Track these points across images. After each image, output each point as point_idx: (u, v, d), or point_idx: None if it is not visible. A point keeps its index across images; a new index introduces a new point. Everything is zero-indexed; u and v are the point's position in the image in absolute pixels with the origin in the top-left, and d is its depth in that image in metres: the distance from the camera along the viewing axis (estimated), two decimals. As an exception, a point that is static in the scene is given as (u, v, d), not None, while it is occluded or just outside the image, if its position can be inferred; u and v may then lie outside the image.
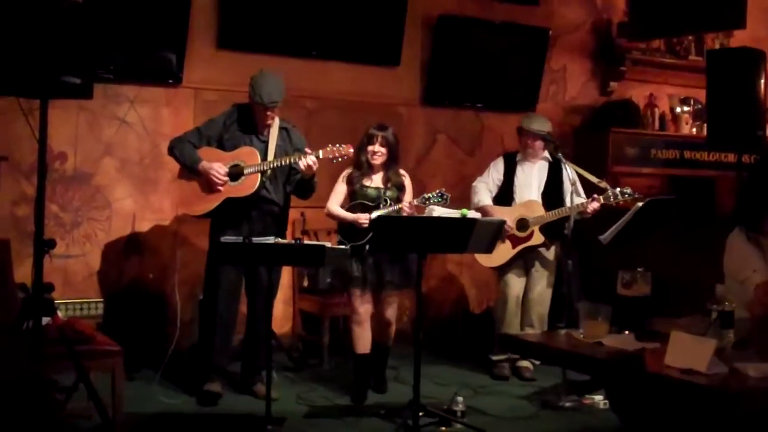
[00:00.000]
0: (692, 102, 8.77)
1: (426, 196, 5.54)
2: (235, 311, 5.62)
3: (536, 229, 6.14)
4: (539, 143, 6.25)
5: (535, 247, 6.19)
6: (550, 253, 6.29)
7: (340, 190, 5.71)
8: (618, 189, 5.94)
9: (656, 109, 8.52)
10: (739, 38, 8.32)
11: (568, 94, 8.29)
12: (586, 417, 5.40)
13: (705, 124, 7.71)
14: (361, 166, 5.67)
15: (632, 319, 3.32)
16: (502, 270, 6.31)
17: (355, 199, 5.66)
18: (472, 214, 5.27)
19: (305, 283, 6.72)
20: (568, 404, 5.55)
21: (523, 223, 6.14)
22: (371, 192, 5.65)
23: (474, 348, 7.08)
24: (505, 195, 6.32)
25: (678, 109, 8.71)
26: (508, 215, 6.05)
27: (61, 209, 6.22)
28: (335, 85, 7.09)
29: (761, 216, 3.84)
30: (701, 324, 3.07)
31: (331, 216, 5.74)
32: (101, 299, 6.23)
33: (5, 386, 3.24)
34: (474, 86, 7.73)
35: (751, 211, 3.87)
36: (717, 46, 8.59)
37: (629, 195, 5.90)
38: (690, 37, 8.65)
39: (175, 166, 6.47)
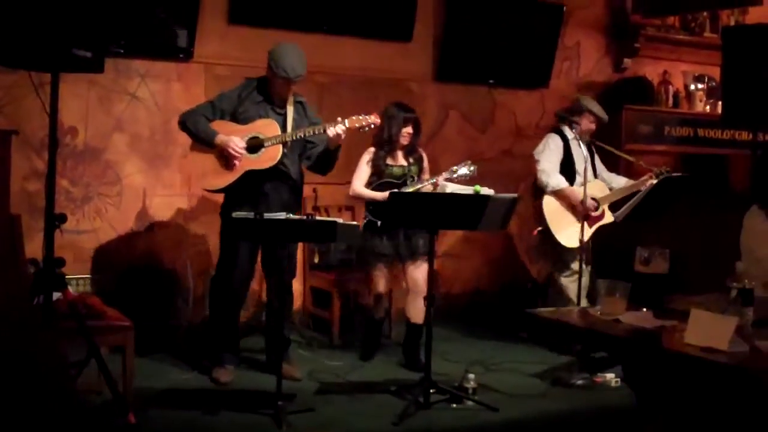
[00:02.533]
0: (706, 79, 8.69)
1: (454, 168, 5.63)
2: (246, 288, 5.58)
3: (605, 207, 6.21)
4: (594, 126, 6.29)
5: (608, 226, 6.20)
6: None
7: (364, 171, 5.80)
8: (658, 168, 6.04)
9: (670, 87, 8.44)
10: (754, 15, 8.23)
11: (581, 70, 8.22)
12: (597, 395, 5.38)
13: (719, 102, 7.65)
14: (385, 147, 5.76)
15: (650, 297, 3.29)
16: (574, 252, 6.13)
17: (381, 179, 5.73)
18: (485, 191, 5.23)
19: (316, 260, 6.69)
20: (579, 382, 5.53)
21: (593, 202, 6.15)
22: (396, 170, 5.80)
23: (486, 325, 7.09)
24: (568, 172, 6.25)
25: (692, 87, 8.63)
26: (579, 194, 6.01)
27: (72, 184, 6.20)
28: (347, 60, 7.03)
29: None
30: (720, 302, 3.04)
31: (358, 197, 5.84)
32: (112, 274, 6.19)
33: (20, 359, 3.23)
34: (487, 62, 7.66)
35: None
36: (732, 23, 8.51)
37: (668, 172, 6.00)
38: (705, 14, 8.56)
39: (186, 141, 6.44)
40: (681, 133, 8.10)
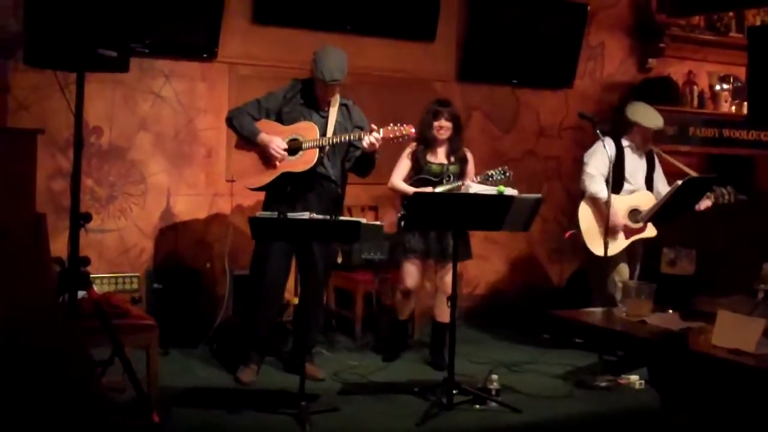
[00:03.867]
0: (732, 80, 8.62)
1: (489, 172, 5.67)
2: (280, 287, 5.57)
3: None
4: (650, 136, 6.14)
5: (648, 240, 5.92)
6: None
7: (404, 165, 5.83)
8: (724, 189, 5.87)
9: (695, 87, 8.39)
10: (780, 14, 8.18)
11: (605, 70, 8.18)
12: (621, 397, 5.36)
13: (744, 102, 7.59)
14: (426, 142, 5.77)
15: (676, 298, 3.27)
16: (613, 260, 5.93)
17: (419, 174, 5.76)
18: (509, 191, 5.21)
19: (339, 260, 6.69)
20: (603, 384, 5.51)
21: (635, 214, 5.98)
22: (435, 168, 5.79)
23: (509, 326, 7.07)
24: (616, 180, 5.96)
25: (717, 87, 8.57)
26: (621, 205, 5.95)
27: (97, 183, 6.23)
28: (370, 60, 7.02)
29: None
30: (747, 303, 3.02)
31: (394, 190, 5.88)
32: (136, 274, 6.22)
33: (45, 357, 3.25)
34: (510, 62, 7.63)
35: None
36: (758, 23, 8.45)
37: (734, 195, 5.86)
38: (730, 14, 8.49)
39: (209, 141, 6.53)
40: (706, 134, 8.04)
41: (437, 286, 5.92)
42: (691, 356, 2.80)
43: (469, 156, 5.93)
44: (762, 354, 2.61)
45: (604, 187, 5.84)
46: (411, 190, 5.65)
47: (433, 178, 5.75)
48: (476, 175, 5.78)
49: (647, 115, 6.03)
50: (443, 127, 5.79)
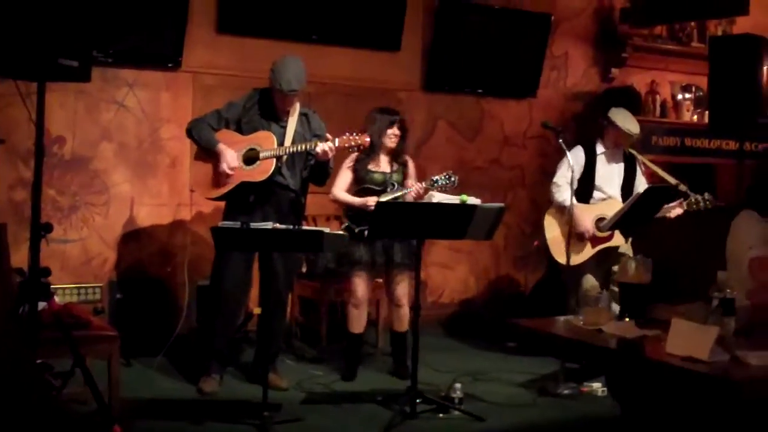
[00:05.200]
0: (694, 89, 8.72)
1: (434, 178, 5.63)
2: (240, 298, 5.57)
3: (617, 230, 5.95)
4: (629, 143, 6.12)
5: (614, 248, 5.96)
6: (628, 250, 6.04)
7: (346, 175, 5.78)
8: (700, 195, 5.86)
9: (657, 96, 8.47)
10: (741, 25, 8.26)
11: (569, 80, 8.25)
12: (583, 405, 5.38)
13: (706, 112, 7.67)
14: (369, 151, 5.71)
15: (633, 306, 3.30)
16: (579, 270, 5.98)
17: (362, 184, 5.73)
18: (472, 200, 5.23)
19: (303, 269, 6.68)
20: (566, 392, 5.53)
21: (601, 222, 5.94)
22: (377, 176, 5.76)
23: (473, 335, 7.10)
24: (584, 189, 6.03)
25: (679, 96, 8.66)
26: (588, 213, 5.94)
27: (59, 193, 6.19)
28: (336, 69, 7.04)
29: None
30: (702, 311, 3.05)
31: (337, 201, 5.82)
32: (99, 284, 6.18)
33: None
34: (475, 72, 7.68)
35: (766, 195, 3.84)
36: (719, 33, 8.54)
37: (710, 202, 5.85)
38: (692, 24, 8.58)
39: (173, 151, 6.52)
40: (668, 143, 8.12)
41: (389, 298, 5.92)
42: (647, 364, 2.82)
43: (411, 165, 5.93)
44: (714, 361, 2.65)
45: (567, 195, 5.87)
46: (357, 200, 5.65)
47: (376, 188, 5.72)
48: (421, 180, 5.75)
49: (625, 119, 6.04)
50: (396, 135, 5.79)
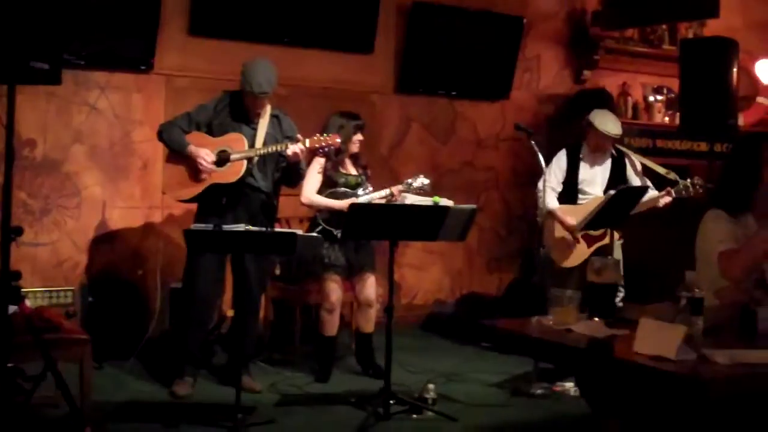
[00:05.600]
0: (665, 91, 8.78)
1: (408, 181, 5.66)
2: (213, 300, 5.56)
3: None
4: (611, 144, 6.15)
5: (610, 246, 5.96)
6: (616, 246, 6.06)
7: (316, 179, 5.75)
8: (689, 180, 5.88)
9: (629, 98, 8.52)
10: (712, 28, 8.35)
11: (541, 82, 8.29)
12: (557, 404, 5.42)
13: (678, 113, 7.73)
14: (336, 155, 5.72)
15: (603, 306, 3.32)
16: (573, 271, 6.02)
17: (333, 187, 5.72)
18: (445, 202, 5.26)
19: (277, 271, 6.68)
20: (539, 392, 5.56)
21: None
22: (351, 179, 5.78)
23: (447, 335, 7.12)
24: (569, 191, 6.14)
25: (651, 98, 8.72)
26: (573, 215, 5.98)
27: (30, 196, 6.16)
28: (308, 72, 7.05)
29: (743, 198, 3.85)
30: (670, 311, 3.07)
31: (312, 205, 5.77)
32: (70, 287, 6.15)
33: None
34: (448, 74, 7.71)
35: (733, 194, 3.88)
36: (690, 36, 8.61)
37: (700, 185, 5.85)
38: (664, 27, 8.64)
39: (145, 153, 6.50)
40: (640, 144, 8.15)
41: (356, 299, 5.93)
42: (616, 363, 2.85)
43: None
44: (682, 360, 2.67)
45: (553, 198, 6.08)
46: (336, 203, 5.64)
47: (350, 190, 5.73)
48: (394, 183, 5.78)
49: (603, 120, 6.07)
50: (360, 141, 5.84)
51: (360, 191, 5.74)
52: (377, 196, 5.65)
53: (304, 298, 6.44)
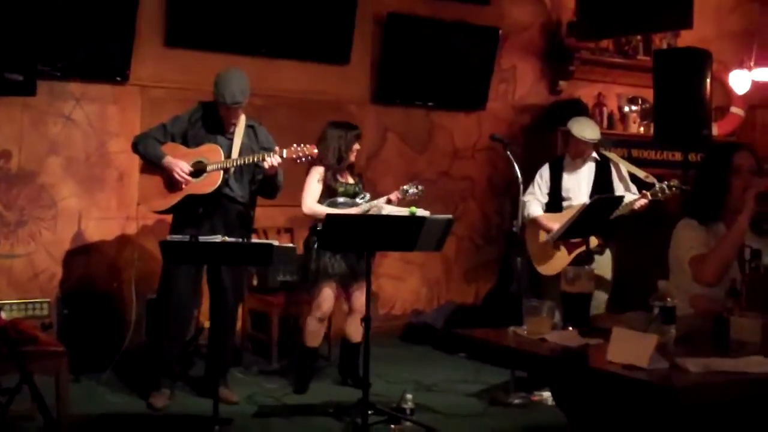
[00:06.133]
0: (640, 101, 8.83)
1: (404, 188, 5.71)
2: (189, 312, 5.55)
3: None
4: (590, 150, 6.19)
5: (591, 252, 6.00)
6: (606, 256, 6.14)
7: (316, 188, 5.74)
8: (665, 183, 5.90)
9: (605, 108, 8.57)
10: (686, 38, 8.41)
11: (517, 93, 8.33)
12: (534, 414, 5.44)
13: (652, 123, 7.78)
14: (336, 165, 5.74)
15: (577, 316, 3.34)
16: (554, 279, 5.89)
17: (334, 196, 5.73)
18: (421, 212, 5.27)
19: (254, 282, 6.68)
20: (516, 401, 5.58)
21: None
22: (349, 188, 5.81)
23: (424, 345, 7.13)
24: (554, 200, 6.19)
25: (626, 109, 8.77)
26: (558, 222, 5.99)
27: (5, 208, 6.13)
28: (285, 83, 7.06)
29: (714, 206, 3.89)
30: (643, 320, 3.09)
31: (315, 215, 5.72)
32: (46, 299, 6.12)
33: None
34: (424, 85, 7.74)
35: (704, 203, 3.92)
36: (664, 46, 8.67)
37: (676, 187, 5.86)
38: (638, 37, 8.70)
39: (121, 164, 6.49)
40: (615, 154, 8.20)
41: (351, 307, 5.92)
42: (589, 373, 2.86)
43: None
44: (654, 369, 2.69)
45: (536, 207, 6.15)
46: (337, 212, 5.60)
47: (350, 199, 5.76)
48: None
49: (580, 127, 6.13)
50: (358, 149, 5.88)
51: (358, 200, 5.76)
52: (376, 204, 5.66)
53: (281, 310, 6.44)
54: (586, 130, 6.12)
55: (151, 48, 6.53)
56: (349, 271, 5.73)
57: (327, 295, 5.73)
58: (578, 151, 6.18)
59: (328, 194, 5.76)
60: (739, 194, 3.80)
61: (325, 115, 6.82)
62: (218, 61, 6.35)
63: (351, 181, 5.87)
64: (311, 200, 5.73)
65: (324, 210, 5.65)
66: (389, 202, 5.68)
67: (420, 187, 5.74)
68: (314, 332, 5.80)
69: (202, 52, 6.61)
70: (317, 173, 5.75)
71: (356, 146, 5.85)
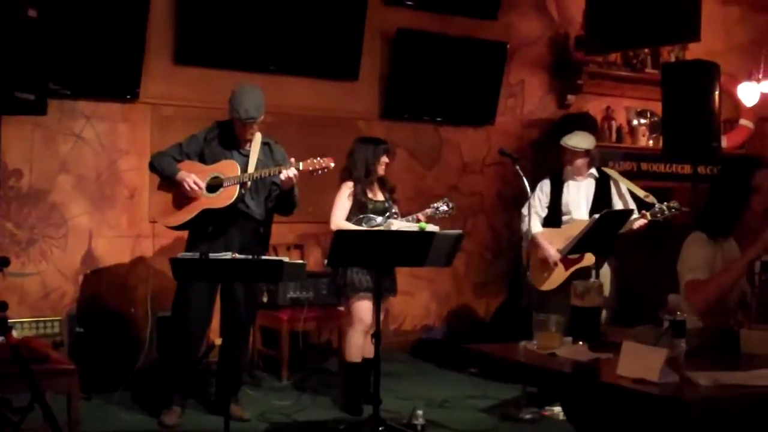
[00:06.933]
0: (649, 114, 8.86)
1: (435, 205, 5.70)
2: (203, 329, 5.54)
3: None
4: (581, 160, 6.17)
5: (588, 268, 5.94)
6: (605, 272, 6.08)
7: (345, 205, 5.69)
8: (665, 204, 5.89)
9: (613, 122, 8.58)
10: (693, 51, 8.41)
11: (526, 107, 8.35)
12: (545, 429, 5.43)
13: (661, 136, 7.78)
14: (366, 180, 5.71)
15: (587, 330, 3.33)
16: (555, 293, 6.03)
17: (364, 212, 5.67)
18: (431, 227, 5.28)
19: (265, 299, 6.68)
20: (527, 416, 5.56)
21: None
22: (378, 205, 5.74)
23: (435, 361, 7.11)
24: (553, 215, 6.21)
25: (635, 122, 8.79)
26: (557, 238, 6.02)
27: (17, 227, 6.16)
28: (294, 99, 7.08)
29: (727, 222, 3.87)
30: (653, 333, 3.08)
31: None
32: (58, 317, 6.14)
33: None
34: (432, 100, 7.76)
35: (719, 219, 3.89)
36: (672, 59, 8.68)
37: (676, 209, 5.85)
38: (646, 51, 8.72)
39: (132, 182, 6.51)
40: (624, 168, 8.18)
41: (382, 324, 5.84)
42: (599, 387, 2.86)
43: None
44: (664, 382, 2.68)
45: (535, 222, 6.14)
46: (347, 228, 5.55)
47: (378, 216, 5.66)
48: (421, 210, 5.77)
49: (569, 136, 6.17)
50: (386, 163, 5.82)
51: (387, 215, 5.67)
52: (404, 224, 5.57)
53: (291, 326, 6.44)
54: (573, 138, 6.16)
55: (160, 66, 6.56)
56: (374, 286, 5.59)
57: (366, 308, 5.61)
58: (571, 162, 6.18)
59: (357, 209, 5.69)
60: (757, 214, 3.77)
61: (334, 131, 6.87)
62: (228, 78, 6.39)
63: (380, 198, 5.79)
64: (339, 217, 5.66)
65: (350, 227, 5.60)
66: (418, 221, 5.61)
67: (451, 205, 5.71)
68: (355, 346, 5.69)
69: (212, 70, 6.65)
70: (347, 189, 5.70)
71: (384, 159, 5.79)
